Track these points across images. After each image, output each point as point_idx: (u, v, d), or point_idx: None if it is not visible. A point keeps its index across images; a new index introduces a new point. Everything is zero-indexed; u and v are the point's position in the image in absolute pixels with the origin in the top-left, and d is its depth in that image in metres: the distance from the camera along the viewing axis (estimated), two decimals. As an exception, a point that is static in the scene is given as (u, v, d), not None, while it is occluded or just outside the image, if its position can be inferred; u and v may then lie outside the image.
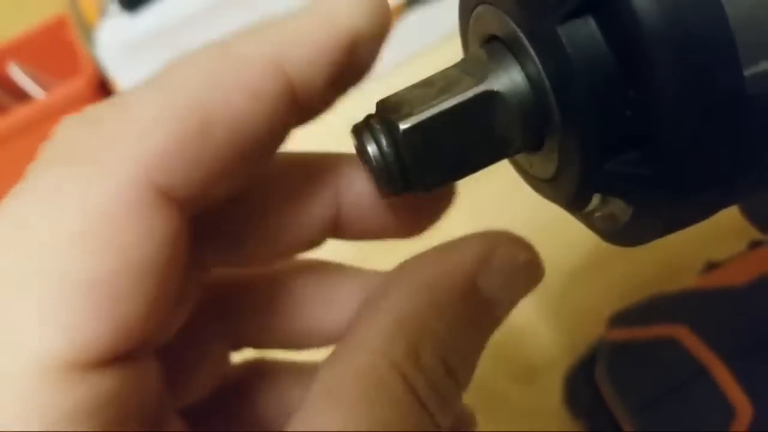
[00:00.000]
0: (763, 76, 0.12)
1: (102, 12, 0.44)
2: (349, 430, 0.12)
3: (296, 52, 0.13)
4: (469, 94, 0.13)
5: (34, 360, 0.10)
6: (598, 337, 0.34)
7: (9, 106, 0.47)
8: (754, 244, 0.35)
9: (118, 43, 0.43)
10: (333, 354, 0.14)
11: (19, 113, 0.44)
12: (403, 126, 0.13)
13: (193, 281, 0.16)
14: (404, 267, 0.16)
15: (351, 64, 0.14)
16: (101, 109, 0.12)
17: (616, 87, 0.12)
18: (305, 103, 0.14)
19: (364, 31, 0.14)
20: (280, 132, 0.14)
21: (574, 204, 0.14)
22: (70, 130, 0.12)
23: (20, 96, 0.48)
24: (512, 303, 0.16)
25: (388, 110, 0.14)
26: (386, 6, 0.14)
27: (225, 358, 0.18)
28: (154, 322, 0.12)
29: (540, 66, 0.13)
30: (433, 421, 0.14)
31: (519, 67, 0.14)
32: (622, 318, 0.33)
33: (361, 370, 0.13)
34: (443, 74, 0.14)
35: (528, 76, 0.13)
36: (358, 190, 0.17)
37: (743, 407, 0.28)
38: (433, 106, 0.13)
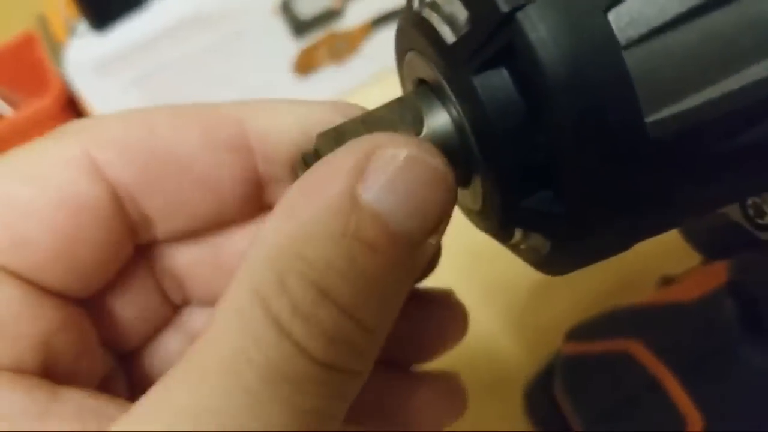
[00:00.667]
0: (664, 121, 0.12)
1: (70, 30, 0.45)
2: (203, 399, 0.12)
3: (264, 117, 0.15)
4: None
5: None
6: (557, 350, 0.34)
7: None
8: (708, 260, 0.36)
9: (86, 62, 0.44)
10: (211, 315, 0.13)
11: (-12, 130, 0.45)
12: None
13: (123, 243, 0.16)
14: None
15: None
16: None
17: (528, 131, 0.13)
18: (267, 173, 0.16)
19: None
20: (234, 188, 0.16)
21: (499, 236, 0.15)
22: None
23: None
24: (407, 212, 0.13)
25: (329, 146, 0.14)
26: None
27: (158, 309, 0.18)
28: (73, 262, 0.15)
29: (460, 111, 0.14)
30: (301, 351, 0.12)
31: (445, 111, 0.14)
32: (578, 332, 0.34)
33: (224, 305, 0.13)
34: (380, 117, 0.15)
35: (452, 119, 0.14)
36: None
37: (694, 419, 0.29)
38: None
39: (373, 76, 0.53)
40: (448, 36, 0.13)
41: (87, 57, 0.44)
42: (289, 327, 0.12)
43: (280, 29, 0.49)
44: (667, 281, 0.37)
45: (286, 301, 0.12)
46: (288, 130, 0.16)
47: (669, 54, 0.12)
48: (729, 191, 0.14)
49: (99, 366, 0.16)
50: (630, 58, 0.12)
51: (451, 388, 0.18)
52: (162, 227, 0.16)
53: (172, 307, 0.18)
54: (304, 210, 0.13)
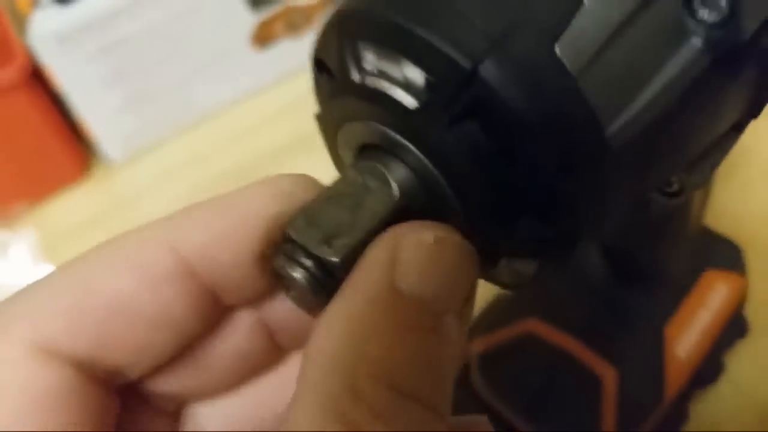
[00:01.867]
0: (623, 128, 0.14)
1: (35, 2, 0.45)
2: None
3: (190, 237, 0.15)
4: (382, 213, 0.14)
5: None
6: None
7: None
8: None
9: (50, 33, 0.45)
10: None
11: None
12: (336, 259, 0.14)
13: (105, 399, 0.15)
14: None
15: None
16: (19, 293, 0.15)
17: (502, 171, 0.14)
18: (225, 289, 0.15)
19: (276, 215, 0.15)
20: (187, 313, 0.15)
21: (482, 271, 0.16)
22: None
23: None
24: (446, 289, 0.14)
25: (309, 242, 0.14)
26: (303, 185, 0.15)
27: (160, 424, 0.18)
28: None
29: (432, 167, 0.14)
30: None
31: (404, 167, 0.15)
32: (479, 327, 0.35)
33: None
34: (344, 189, 0.15)
35: (414, 172, 0.15)
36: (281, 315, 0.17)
37: (607, 372, 0.32)
38: (354, 232, 0.14)
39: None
40: (406, 100, 0.14)
41: (51, 28, 0.45)
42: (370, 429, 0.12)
43: (238, 2, 0.51)
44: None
45: (365, 407, 0.12)
46: (220, 240, 0.15)
47: (610, 70, 0.14)
48: (662, 176, 0.16)
49: None
50: (583, 84, 0.13)
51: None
52: (133, 371, 0.16)
53: (171, 415, 0.18)
54: (352, 316, 0.13)
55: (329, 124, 0.16)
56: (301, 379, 0.13)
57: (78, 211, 0.52)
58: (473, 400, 0.35)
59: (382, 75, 0.14)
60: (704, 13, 0.14)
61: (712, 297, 0.35)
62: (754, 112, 0.17)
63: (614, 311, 0.33)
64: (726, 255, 0.36)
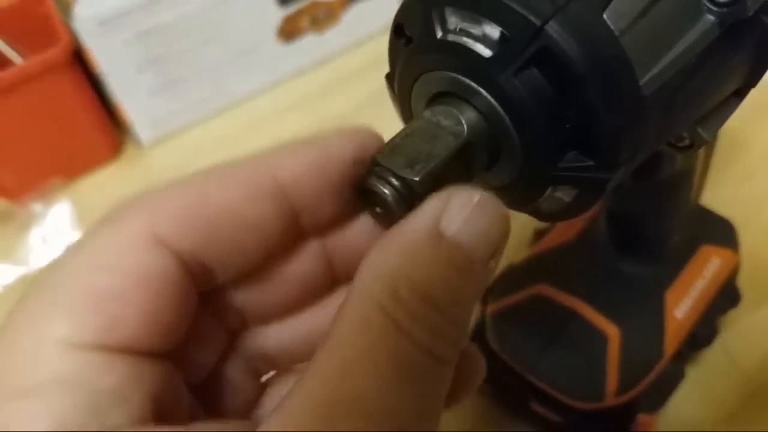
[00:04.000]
0: (653, 78, 0.17)
1: None
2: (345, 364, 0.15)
3: (289, 165, 0.18)
4: (453, 144, 0.18)
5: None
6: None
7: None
8: (538, 234, 0.43)
9: (92, 18, 0.50)
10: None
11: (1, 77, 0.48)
12: (417, 179, 0.17)
13: (191, 298, 0.18)
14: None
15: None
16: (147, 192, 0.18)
17: (557, 111, 0.17)
18: (307, 212, 0.19)
19: (355, 155, 0.19)
20: (276, 228, 0.18)
21: (527, 200, 0.19)
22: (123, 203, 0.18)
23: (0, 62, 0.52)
24: (481, 241, 0.17)
25: (395, 166, 0.17)
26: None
27: (220, 337, 0.21)
28: (151, 326, 0.17)
29: (499, 108, 0.17)
30: (417, 346, 0.16)
31: (474, 110, 0.18)
32: (494, 293, 0.39)
33: (348, 316, 0.16)
34: (422, 125, 0.18)
35: (483, 115, 0.18)
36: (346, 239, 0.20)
37: (611, 330, 0.35)
38: (431, 159, 0.18)
39: (350, 44, 0.61)
40: (483, 51, 0.17)
41: (93, 13, 0.50)
42: (408, 328, 0.16)
43: (266, -3, 0.55)
44: (539, 234, 0.44)
45: (403, 308, 0.16)
46: (312, 170, 0.19)
47: (644, 34, 0.17)
48: (681, 124, 0.20)
49: (188, 403, 0.19)
50: (624, 42, 0.17)
51: (474, 357, 0.21)
52: (221, 274, 0.18)
53: (230, 333, 0.21)
54: (403, 242, 0.17)
55: (404, 80, 0.20)
56: (354, 283, 0.16)
57: (110, 188, 0.55)
58: (489, 355, 0.38)
59: (463, 32, 0.17)
60: (717, -5, 0.18)
61: (707, 268, 0.38)
62: (752, 82, 0.21)
63: (619, 278, 0.37)
64: (721, 232, 0.40)
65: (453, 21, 0.18)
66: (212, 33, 0.54)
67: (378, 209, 0.18)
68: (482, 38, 0.17)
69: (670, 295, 0.37)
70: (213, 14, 0.53)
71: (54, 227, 0.52)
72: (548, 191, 0.19)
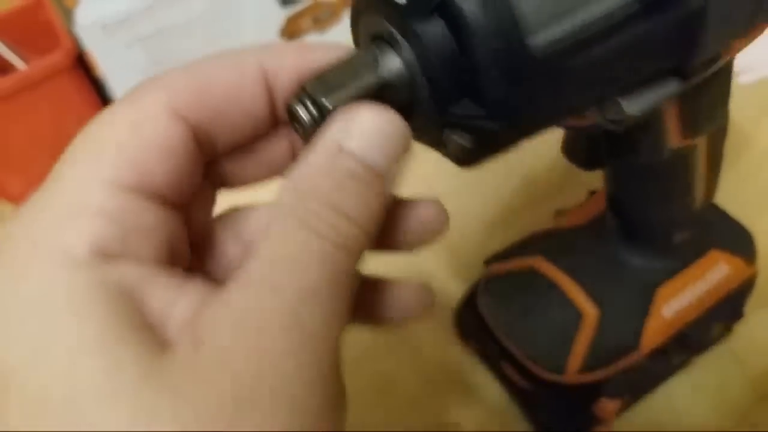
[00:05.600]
0: (550, 41, 0.18)
1: None
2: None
3: (274, 61, 0.22)
4: (369, 82, 0.20)
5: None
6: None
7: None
8: (592, 193, 0.43)
9: (94, 23, 0.50)
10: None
11: (3, 82, 0.49)
12: (330, 105, 0.20)
13: (200, 160, 0.22)
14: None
15: None
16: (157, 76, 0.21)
17: (457, 61, 0.19)
18: (277, 96, 0.22)
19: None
20: (263, 111, 0.22)
21: (431, 138, 0.21)
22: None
23: (3, 68, 0.53)
24: (380, 152, 0.20)
25: (315, 92, 0.20)
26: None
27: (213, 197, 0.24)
28: (167, 175, 0.20)
29: (412, 54, 0.19)
30: (332, 243, 0.19)
31: (396, 55, 0.20)
32: (493, 258, 0.40)
33: (275, 230, 0.19)
34: (348, 61, 0.20)
35: (403, 60, 0.20)
36: None
37: (590, 311, 0.36)
38: (347, 90, 0.20)
39: (352, 44, 0.61)
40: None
41: (95, 18, 0.50)
42: (324, 232, 0.19)
43: (270, -3, 0.54)
44: (560, 213, 0.44)
45: (315, 217, 0.19)
46: (292, 67, 0.22)
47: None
48: (590, 93, 0.21)
49: (187, 251, 0.23)
50: (517, 3, 0.18)
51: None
52: (220, 146, 0.22)
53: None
54: (313, 161, 0.20)
55: (355, 22, 0.22)
56: (280, 191, 0.20)
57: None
58: (478, 320, 0.40)
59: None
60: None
61: (711, 273, 0.38)
62: (685, 64, 0.21)
63: (614, 265, 0.37)
64: (736, 240, 0.39)
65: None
66: (215, 36, 0.55)
67: (299, 128, 0.21)
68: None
69: (662, 291, 0.37)
70: (215, 17, 0.54)
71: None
72: (445, 132, 0.21)
